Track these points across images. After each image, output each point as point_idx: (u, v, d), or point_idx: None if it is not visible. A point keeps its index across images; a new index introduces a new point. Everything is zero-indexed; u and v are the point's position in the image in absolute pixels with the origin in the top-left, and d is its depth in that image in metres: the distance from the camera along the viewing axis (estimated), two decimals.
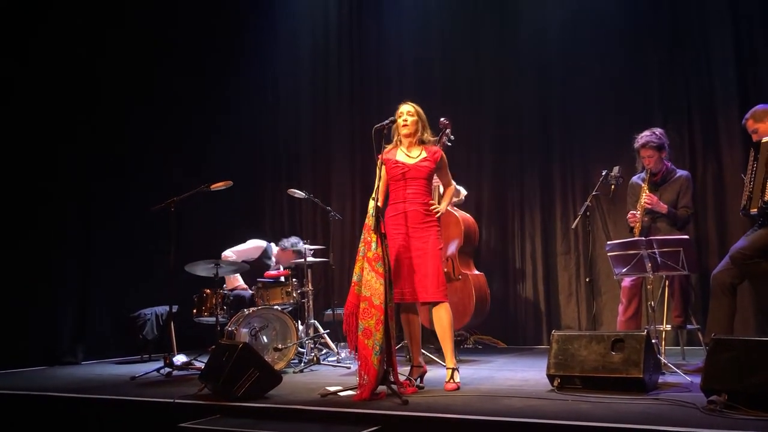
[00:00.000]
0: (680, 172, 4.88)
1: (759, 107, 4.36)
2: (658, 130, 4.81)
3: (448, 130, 5.41)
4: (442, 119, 5.37)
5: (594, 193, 4.95)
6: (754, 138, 4.33)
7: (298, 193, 5.97)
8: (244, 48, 8.05)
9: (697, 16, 5.92)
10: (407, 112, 4.16)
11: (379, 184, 4.02)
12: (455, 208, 5.75)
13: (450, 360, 4.01)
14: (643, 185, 4.78)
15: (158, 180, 6.93)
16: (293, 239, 6.18)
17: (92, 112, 6.75)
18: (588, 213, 4.94)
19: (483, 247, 6.73)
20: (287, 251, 6.12)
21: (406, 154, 4.14)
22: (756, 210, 4.10)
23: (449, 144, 5.34)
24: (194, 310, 5.57)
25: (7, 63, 6.17)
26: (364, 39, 7.60)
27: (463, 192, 5.83)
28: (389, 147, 4.20)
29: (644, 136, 4.77)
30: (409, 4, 7.34)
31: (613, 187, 4.85)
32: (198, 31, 7.57)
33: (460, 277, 5.51)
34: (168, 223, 5.35)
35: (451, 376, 3.95)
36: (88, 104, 6.71)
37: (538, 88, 6.65)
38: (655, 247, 4.15)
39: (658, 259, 4.16)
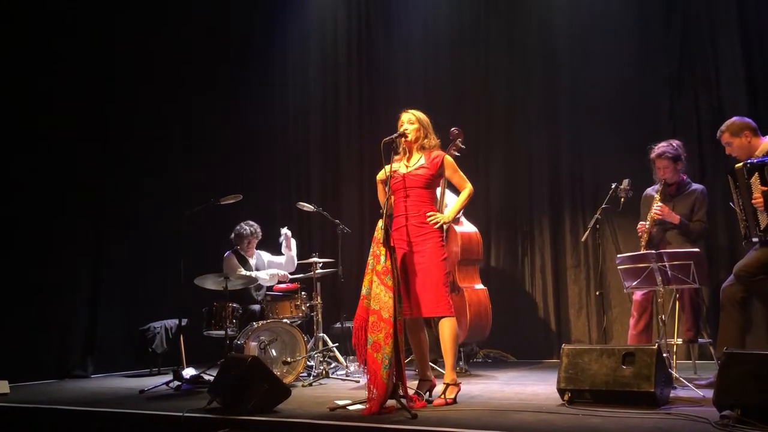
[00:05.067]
0: (695, 186, 4.83)
1: (736, 120, 4.35)
2: (675, 142, 4.78)
3: (459, 140, 5.43)
4: (453, 129, 5.39)
5: (604, 206, 4.92)
6: (727, 150, 4.36)
7: (307, 207, 5.98)
8: (255, 62, 8.10)
9: (707, 30, 5.92)
10: (408, 120, 4.13)
11: (387, 196, 4.01)
12: (463, 219, 5.71)
13: (448, 374, 3.97)
14: (656, 196, 4.75)
15: (169, 194, 6.98)
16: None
17: (105, 126, 6.82)
18: (598, 226, 4.91)
19: (492, 261, 6.72)
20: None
21: (405, 163, 4.13)
22: (757, 239, 4.12)
23: (458, 154, 5.34)
24: (204, 324, 5.58)
25: (32, 78, 6.27)
26: (373, 54, 7.64)
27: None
28: (397, 157, 4.17)
29: (660, 146, 4.75)
30: (417, 18, 7.37)
31: (622, 199, 4.83)
32: (209, 45, 7.63)
33: (457, 291, 5.48)
34: (178, 237, 5.37)
35: (444, 391, 3.92)
36: (100, 119, 6.78)
37: (548, 101, 6.65)
38: (665, 260, 4.13)
39: (669, 272, 4.13)
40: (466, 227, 5.75)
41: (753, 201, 4.07)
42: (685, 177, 4.83)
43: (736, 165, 4.19)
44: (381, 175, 4.14)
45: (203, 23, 7.60)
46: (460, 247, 5.56)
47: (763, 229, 4.06)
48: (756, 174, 4.06)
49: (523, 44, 6.81)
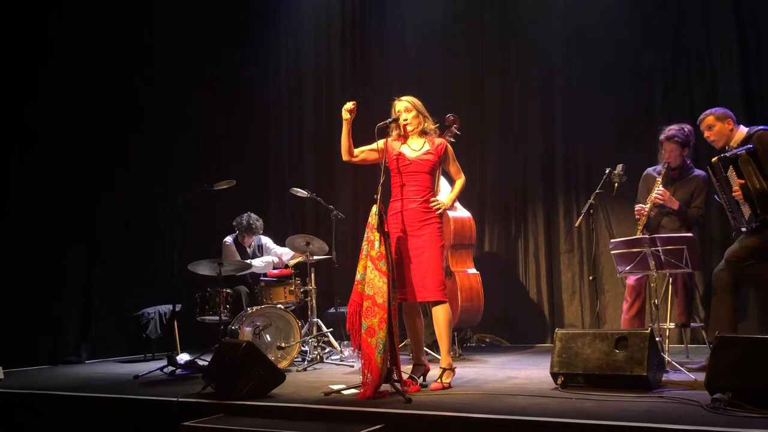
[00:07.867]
0: (698, 172, 4.80)
1: (721, 108, 4.40)
2: (687, 127, 4.73)
3: (454, 126, 5.43)
4: (448, 115, 5.39)
5: (597, 191, 4.92)
6: (706, 134, 4.39)
7: (301, 192, 5.98)
8: (248, 47, 8.05)
9: (702, 17, 5.91)
10: (405, 108, 4.10)
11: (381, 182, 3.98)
12: (457, 204, 5.72)
13: (444, 359, 4.00)
14: (657, 179, 4.73)
15: (162, 180, 6.94)
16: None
17: (101, 114, 6.78)
18: (591, 211, 4.92)
19: (486, 245, 6.73)
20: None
21: (408, 147, 4.11)
22: (745, 228, 4.14)
23: (452, 140, 5.34)
24: (197, 309, 5.58)
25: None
26: (367, 38, 7.60)
27: None
28: (393, 137, 4.12)
29: (671, 129, 4.71)
30: (411, 4, 7.33)
31: (616, 184, 4.82)
32: (201, 32, 7.57)
33: (449, 276, 5.50)
34: (171, 223, 5.36)
35: (440, 376, 3.94)
36: (97, 107, 6.74)
37: (542, 87, 6.64)
38: (658, 244, 4.14)
39: (662, 256, 4.15)
40: (460, 212, 5.76)
41: (733, 194, 4.11)
42: (688, 162, 4.82)
43: (713, 159, 4.24)
44: (380, 144, 4.10)
45: (196, 11, 7.53)
46: (452, 232, 5.58)
47: (747, 219, 4.10)
48: (731, 167, 4.11)
49: (517, 30, 6.78)
